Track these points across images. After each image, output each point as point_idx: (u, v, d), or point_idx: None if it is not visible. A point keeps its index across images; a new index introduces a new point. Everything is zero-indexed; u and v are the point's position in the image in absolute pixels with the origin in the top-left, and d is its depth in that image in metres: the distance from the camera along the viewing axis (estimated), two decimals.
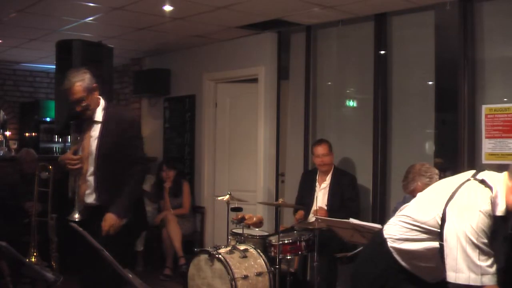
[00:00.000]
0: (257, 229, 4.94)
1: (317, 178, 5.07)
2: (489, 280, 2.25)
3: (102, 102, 3.58)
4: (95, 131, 3.51)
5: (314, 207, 4.84)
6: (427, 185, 3.56)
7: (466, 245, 2.26)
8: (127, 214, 3.42)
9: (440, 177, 3.73)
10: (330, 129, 5.73)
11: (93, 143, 3.49)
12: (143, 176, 3.66)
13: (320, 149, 5.01)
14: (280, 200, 4.93)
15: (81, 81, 3.45)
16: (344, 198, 4.91)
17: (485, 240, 2.25)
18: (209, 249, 4.41)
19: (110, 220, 3.37)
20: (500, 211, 2.31)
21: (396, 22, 5.19)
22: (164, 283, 5.83)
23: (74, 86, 3.45)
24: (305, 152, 5.82)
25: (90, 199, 3.53)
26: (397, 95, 5.18)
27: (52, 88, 8.99)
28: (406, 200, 3.85)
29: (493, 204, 2.31)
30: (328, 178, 5.00)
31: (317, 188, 5.02)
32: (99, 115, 3.54)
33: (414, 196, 3.66)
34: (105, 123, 3.51)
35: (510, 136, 4.31)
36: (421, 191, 3.55)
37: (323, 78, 5.82)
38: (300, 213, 5.00)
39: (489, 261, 2.25)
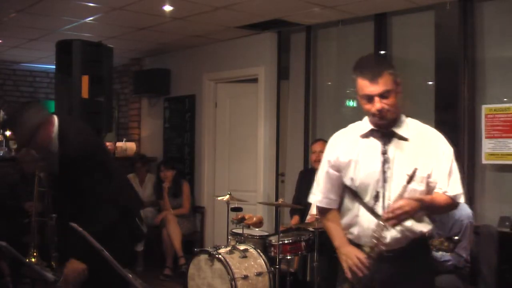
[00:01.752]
0: (257, 229, 4.94)
1: (314, 178, 5.06)
2: (312, 199, 2.67)
3: (55, 129, 2.97)
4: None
5: (312, 207, 4.84)
6: None
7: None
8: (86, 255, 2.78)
9: None
10: (330, 129, 5.71)
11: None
12: (100, 216, 2.91)
13: (318, 146, 5.02)
14: (280, 200, 4.92)
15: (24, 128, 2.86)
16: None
17: (331, 158, 2.53)
18: (209, 249, 4.41)
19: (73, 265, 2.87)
20: (362, 129, 2.46)
21: (396, 22, 5.19)
22: (164, 283, 5.83)
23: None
24: (305, 152, 5.82)
25: None
26: None
27: (52, 88, 8.98)
28: None
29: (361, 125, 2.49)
30: None
31: None
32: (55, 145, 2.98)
33: None
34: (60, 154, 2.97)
35: (510, 136, 4.31)
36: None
37: (323, 78, 5.82)
38: (296, 218, 4.99)
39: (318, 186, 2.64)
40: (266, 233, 4.82)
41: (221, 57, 6.58)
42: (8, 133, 9.20)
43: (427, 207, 2.34)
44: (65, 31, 5.88)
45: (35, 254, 4.95)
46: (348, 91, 5.71)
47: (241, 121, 6.58)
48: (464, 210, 3.64)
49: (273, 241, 4.41)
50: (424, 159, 2.36)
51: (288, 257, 4.41)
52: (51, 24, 5.70)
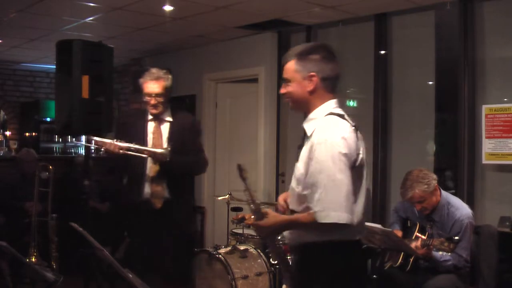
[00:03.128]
0: None
1: None
2: None
3: (169, 105, 3.81)
4: (165, 130, 3.68)
5: None
6: (425, 191, 3.56)
7: None
8: (172, 161, 3.54)
9: (439, 181, 3.74)
10: None
11: (164, 142, 3.64)
12: (197, 163, 3.75)
13: None
14: None
15: (166, 80, 3.73)
16: None
17: None
18: (209, 249, 4.41)
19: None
20: None
21: (396, 22, 5.19)
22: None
23: (160, 79, 3.68)
24: None
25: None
26: (397, 95, 5.18)
27: (52, 88, 8.99)
28: (405, 202, 3.85)
29: None
30: None
31: None
32: (168, 115, 3.75)
33: (412, 203, 3.67)
34: (173, 123, 3.70)
35: (510, 136, 4.30)
36: (419, 198, 3.57)
37: None
38: None
39: None
40: None
41: (221, 57, 6.58)
42: (8, 133, 9.23)
43: (290, 227, 2.31)
44: (65, 31, 5.88)
45: (35, 254, 4.95)
46: (348, 91, 5.71)
47: (241, 121, 6.58)
48: (464, 210, 3.64)
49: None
50: (304, 159, 2.23)
51: (288, 257, 4.40)
52: (51, 24, 5.70)
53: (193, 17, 5.39)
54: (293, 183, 2.31)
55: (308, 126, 2.29)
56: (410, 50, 5.14)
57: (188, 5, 4.94)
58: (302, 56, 2.29)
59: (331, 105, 2.30)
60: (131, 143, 3.59)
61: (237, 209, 4.85)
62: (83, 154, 7.04)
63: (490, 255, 3.88)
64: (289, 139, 6.14)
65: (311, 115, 2.31)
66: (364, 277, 2.46)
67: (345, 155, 2.12)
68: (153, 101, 3.65)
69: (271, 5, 4.98)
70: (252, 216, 2.36)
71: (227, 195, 4.89)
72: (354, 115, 5.88)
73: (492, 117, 4.40)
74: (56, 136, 9.11)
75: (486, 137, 4.42)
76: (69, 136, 9.01)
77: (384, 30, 5.18)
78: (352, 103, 5.69)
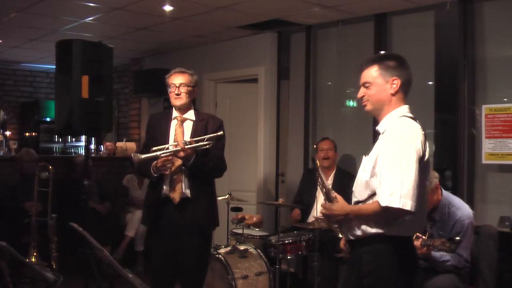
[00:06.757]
0: (257, 229, 4.94)
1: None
2: None
3: (192, 106, 3.84)
4: (187, 129, 3.70)
5: (315, 207, 4.84)
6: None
7: None
8: (195, 164, 3.55)
9: (440, 180, 3.73)
10: (330, 129, 5.73)
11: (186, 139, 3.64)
12: (218, 168, 3.75)
13: (325, 144, 5.06)
14: (280, 200, 4.93)
15: (191, 75, 3.78)
16: (346, 199, 4.89)
17: None
18: None
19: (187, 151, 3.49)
20: None
21: (396, 22, 5.19)
22: None
23: (185, 73, 3.77)
24: (305, 152, 5.82)
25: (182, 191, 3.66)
26: None
27: (52, 88, 8.99)
28: None
29: None
30: (331, 179, 4.99)
31: (319, 188, 5.01)
32: (191, 115, 3.76)
33: None
34: (196, 123, 3.72)
35: (510, 136, 4.31)
36: None
37: (323, 78, 5.82)
38: (296, 211, 4.99)
39: None
40: (266, 233, 4.82)
41: (221, 57, 6.58)
42: (8, 133, 9.23)
43: (358, 214, 2.50)
44: (65, 31, 5.88)
45: (35, 254, 4.95)
46: (348, 91, 5.71)
47: (241, 121, 6.57)
48: (465, 210, 3.64)
49: (273, 241, 4.42)
50: (375, 152, 2.48)
51: (288, 257, 4.41)
52: (51, 24, 5.71)
53: (193, 17, 5.39)
54: (360, 173, 2.53)
55: (382, 126, 2.53)
56: (410, 50, 5.14)
57: (188, 5, 4.95)
58: (382, 62, 2.50)
59: (405, 109, 2.54)
60: (156, 139, 3.66)
61: (237, 209, 4.85)
62: (83, 154, 7.05)
63: (490, 255, 3.88)
64: (289, 139, 6.14)
65: (386, 117, 2.52)
66: (415, 271, 2.59)
67: (416, 151, 2.35)
68: (176, 91, 3.72)
69: (271, 5, 4.98)
70: (323, 198, 2.62)
71: (227, 195, 4.89)
72: (354, 115, 5.89)
73: (492, 117, 4.40)
74: (56, 136, 9.12)
75: (486, 137, 4.42)
76: (69, 136, 9.03)
77: (384, 30, 5.19)
78: (352, 103, 5.69)
